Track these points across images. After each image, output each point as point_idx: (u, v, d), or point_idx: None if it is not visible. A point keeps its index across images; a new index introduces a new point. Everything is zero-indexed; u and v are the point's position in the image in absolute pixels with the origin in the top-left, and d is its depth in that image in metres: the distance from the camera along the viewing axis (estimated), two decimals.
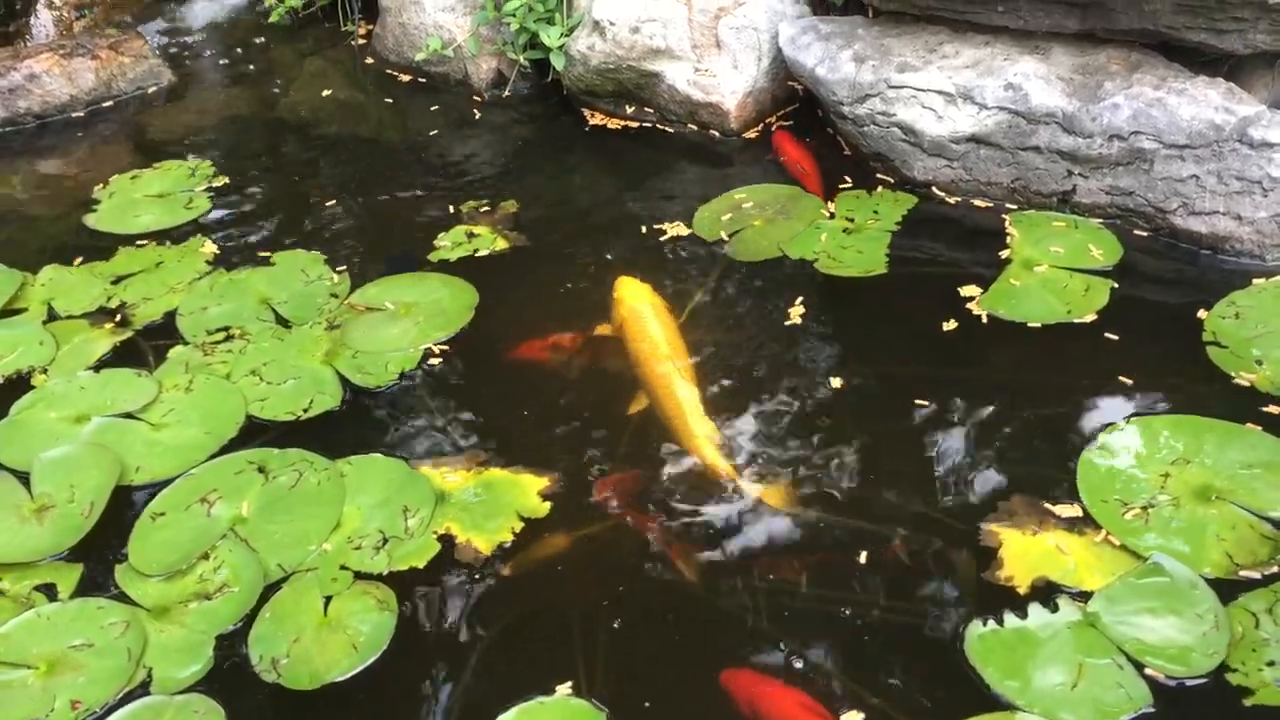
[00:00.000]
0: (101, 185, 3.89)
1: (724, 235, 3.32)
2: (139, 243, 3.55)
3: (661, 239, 3.37)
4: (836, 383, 2.74)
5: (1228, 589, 2.15)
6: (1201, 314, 2.85)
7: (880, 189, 3.46)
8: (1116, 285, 2.97)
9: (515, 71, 4.28)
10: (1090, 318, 2.87)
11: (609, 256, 3.31)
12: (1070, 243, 3.13)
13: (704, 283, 3.15)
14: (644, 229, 3.43)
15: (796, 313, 3.00)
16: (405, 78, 4.57)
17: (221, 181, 3.87)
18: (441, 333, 3.02)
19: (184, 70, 4.79)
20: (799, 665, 2.11)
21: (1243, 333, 2.76)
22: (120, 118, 4.44)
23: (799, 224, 3.33)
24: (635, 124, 4.05)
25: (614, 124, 4.07)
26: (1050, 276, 3.02)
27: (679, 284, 3.15)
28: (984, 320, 2.90)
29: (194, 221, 3.65)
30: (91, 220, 3.70)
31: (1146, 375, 2.68)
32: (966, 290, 3.00)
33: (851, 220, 3.32)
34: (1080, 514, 2.33)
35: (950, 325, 2.89)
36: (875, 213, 3.34)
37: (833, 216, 3.35)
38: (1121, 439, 2.49)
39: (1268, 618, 2.08)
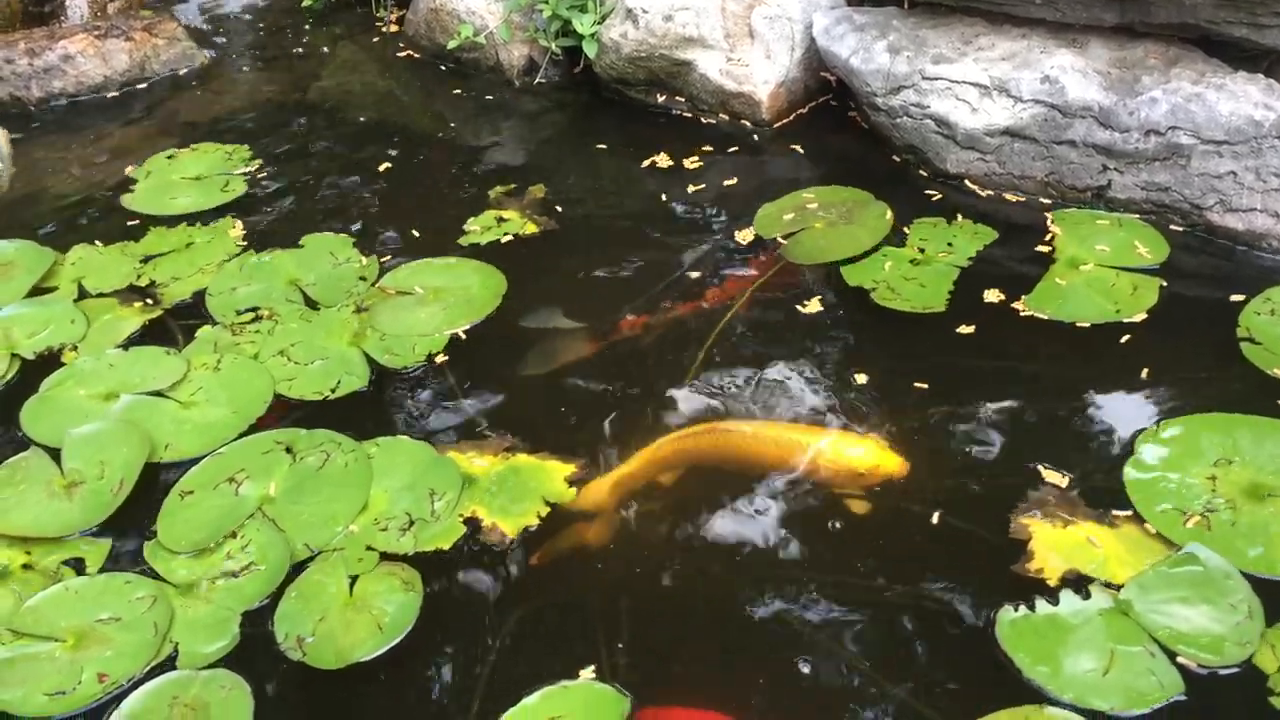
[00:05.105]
0: (137, 165, 3.90)
1: (780, 237, 3.25)
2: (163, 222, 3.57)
3: (696, 227, 3.36)
4: (862, 379, 2.72)
5: None
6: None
7: (960, 218, 3.25)
8: (1165, 284, 2.92)
9: (547, 59, 4.27)
10: (1140, 317, 2.82)
11: (642, 245, 3.31)
12: (1115, 240, 3.09)
13: (742, 274, 3.15)
14: (675, 216, 3.42)
15: (833, 304, 2.97)
16: (437, 64, 4.57)
17: (256, 165, 3.88)
18: (469, 318, 3.02)
19: (216, 53, 4.81)
20: (824, 652, 2.10)
21: (1279, 329, 2.72)
22: (153, 99, 4.46)
23: (860, 231, 3.20)
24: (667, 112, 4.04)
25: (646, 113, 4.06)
26: (1097, 275, 2.98)
27: (717, 275, 3.15)
28: (1029, 319, 2.86)
29: (230, 204, 3.66)
30: (128, 201, 3.70)
31: (1191, 375, 2.64)
32: (1010, 288, 2.95)
33: (923, 251, 3.12)
34: (1130, 517, 2.30)
35: (995, 323, 2.85)
36: (949, 245, 3.15)
37: (903, 244, 3.17)
38: (1166, 440, 2.44)
39: None
